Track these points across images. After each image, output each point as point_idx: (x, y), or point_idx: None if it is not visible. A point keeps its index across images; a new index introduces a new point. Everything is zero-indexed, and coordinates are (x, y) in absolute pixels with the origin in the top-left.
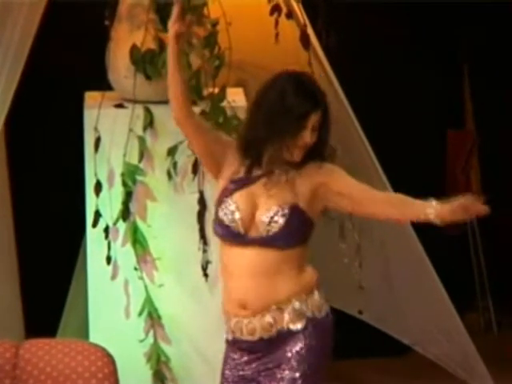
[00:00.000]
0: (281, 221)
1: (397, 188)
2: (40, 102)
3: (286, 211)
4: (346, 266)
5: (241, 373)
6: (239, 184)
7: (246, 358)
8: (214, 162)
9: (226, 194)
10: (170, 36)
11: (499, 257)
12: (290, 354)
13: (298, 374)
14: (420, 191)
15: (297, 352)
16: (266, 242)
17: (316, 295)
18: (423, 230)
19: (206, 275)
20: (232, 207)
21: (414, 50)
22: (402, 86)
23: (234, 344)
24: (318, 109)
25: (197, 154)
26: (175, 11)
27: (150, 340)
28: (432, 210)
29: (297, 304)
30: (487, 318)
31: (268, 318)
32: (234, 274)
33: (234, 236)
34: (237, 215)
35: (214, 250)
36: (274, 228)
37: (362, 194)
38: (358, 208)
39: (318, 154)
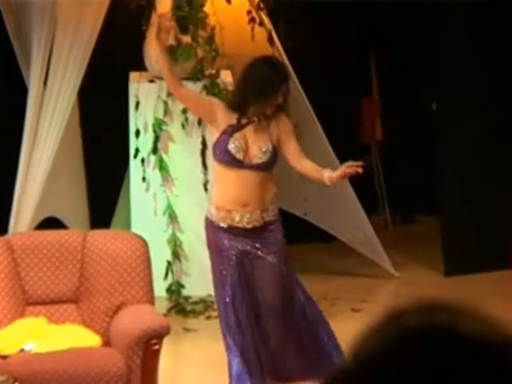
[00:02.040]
0: (268, 154)
1: (329, 133)
2: (104, 77)
3: (270, 147)
4: (296, 184)
5: (238, 247)
6: (234, 129)
7: (241, 239)
8: (206, 114)
9: (226, 135)
10: (157, 43)
11: (393, 178)
12: (272, 238)
13: (279, 251)
14: (345, 137)
15: (276, 236)
16: (256, 167)
17: (276, 203)
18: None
19: (206, 189)
20: (236, 143)
21: (343, 49)
22: (335, 70)
23: (227, 230)
24: (285, 80)
25: (193, 112)
26: (157, 26)
27: (170, 231)
28: (325, 176)
29: (273, 206)
30: (385, 218)
31: (260, 213)
32: (235, 185)
33: (236, 162)
34: (239, 148)
35: (210, 173)
36: (263, 159)
37: (289, 153)
38: (287, 156)
39: (281, 107)
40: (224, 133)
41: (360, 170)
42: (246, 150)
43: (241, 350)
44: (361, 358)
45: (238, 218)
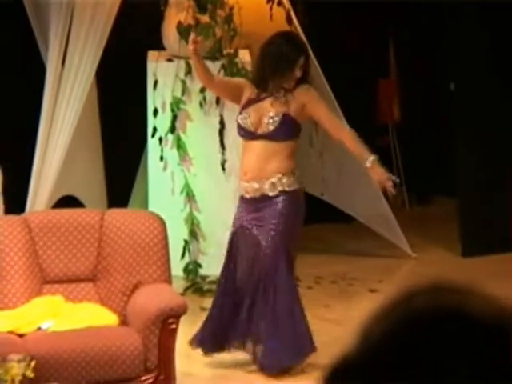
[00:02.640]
0: (276, 122)
1: (346, 114)
2: (122, 56)
3: (280, 116)
4: (313, 164)
5: (241, 222)
6: (252, 102)
7: (244, 212)
8: (235, 98)
9: (243, 108)
10: (190, 52)
11: (410, 158)
12: (270, 215)
13: (275, 231)
14: (362, 117)
15: (274, 214)
16: (267, 136)
17: (289, 178)
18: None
19: (223, 169)
20: (246, 115)
21: (361, 29)
22: (353, 50)
23: (241, 199)
24: (303, 54)
25: (223, 98)
26: (192, 38)
27: (187, 210)
28: (369, 163)
29: (274, 180)
30: (402, 198)
31: (255, 185)
32: (247, 155)
33: (248, 133)
34: (248, 120)
35: (228, 152)
36: (271, 126)
37: (326, 123)
38: (322, 127)
39: (303, 80)
40: (243, 107)
41: (392, 193)
42: (258, 122)
43: (211, 314)
44: (370, 341)
45: (242, 187)
